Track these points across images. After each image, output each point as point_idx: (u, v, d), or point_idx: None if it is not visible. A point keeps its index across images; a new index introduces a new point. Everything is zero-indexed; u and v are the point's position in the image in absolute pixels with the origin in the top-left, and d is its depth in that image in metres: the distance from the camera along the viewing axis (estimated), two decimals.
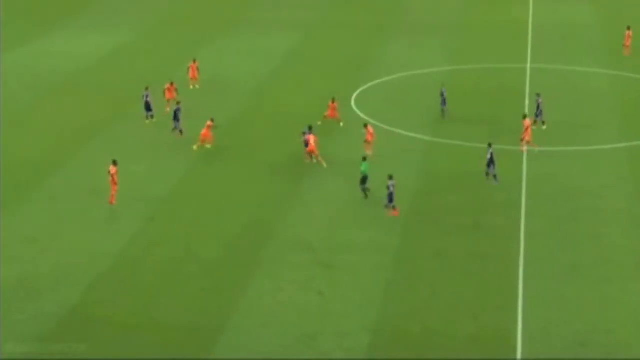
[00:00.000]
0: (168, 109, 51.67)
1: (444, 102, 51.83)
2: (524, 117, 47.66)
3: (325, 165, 45.01)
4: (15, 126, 50.90)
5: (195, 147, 47.19)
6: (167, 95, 52.69)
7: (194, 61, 57.52)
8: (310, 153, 45.24)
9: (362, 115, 52.52)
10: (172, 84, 53.51)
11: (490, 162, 42.97)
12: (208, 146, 47.33)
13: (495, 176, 43.11)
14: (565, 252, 37.09)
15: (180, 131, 48.59)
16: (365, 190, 41.74)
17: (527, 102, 54.94)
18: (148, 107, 51.00)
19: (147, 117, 51.08)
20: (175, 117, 48.98)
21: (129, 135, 49.26)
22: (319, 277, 35.07)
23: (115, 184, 40.78)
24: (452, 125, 50.87)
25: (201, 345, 30.74)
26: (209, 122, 47.41)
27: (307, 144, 45.28)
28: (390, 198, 40.09)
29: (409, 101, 55.26)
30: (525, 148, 46.92)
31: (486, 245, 37.67)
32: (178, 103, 49.55)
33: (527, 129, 46.74)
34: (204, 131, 47.16)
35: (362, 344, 30.83)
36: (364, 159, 42.26)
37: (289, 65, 62.46)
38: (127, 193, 41.85)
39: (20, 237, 38.01)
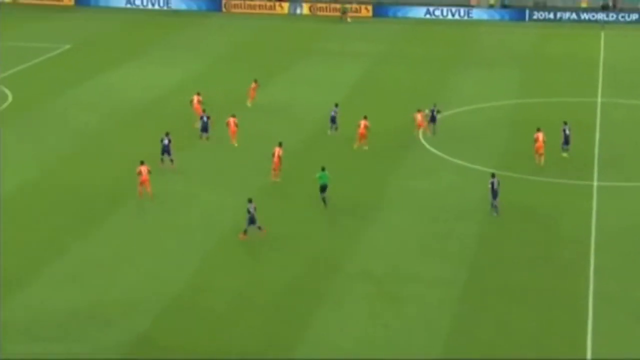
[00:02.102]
0: (196, 125, 53.93)
1: (433, 119, 53.51)
2: (538, 129, 49.24)
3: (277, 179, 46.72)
4: (88, 155, 51.91)
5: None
6: (197, 107, 55.11)
7: (255, 82, 59.95)
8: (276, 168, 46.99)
9: (429, 147, 52.54)
10: (198, 93, 56.19)
11: (493, 192, 42.96)
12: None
13: (496, 207, 43.10)
14: (636, 289, 36.55)
15: (171, 160, 49.05)
16: (324, 199, 43.66)
17: (597, 135, 54.44)
18: (205, 129, 52.70)
19: (201, 137, 52.96)
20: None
21: (199, 164, 49.93)
22: (385, 309, 35.10)
23: (143, 183, 44.24)
24: (519, 158, 50.58)
25: None
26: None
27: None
28: (252, 220, 40.31)
29: (477, 134, 55.13)
30: (540, 160, 48.84)
31: (555, 280, 37.32)
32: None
33: (536, 140, 48.72)
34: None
35: None
36: (323, 169, 44.09)
37: (355, 96, 62.70)
38: (195, 222, 42.45)
39: (92, 265, 38.71)
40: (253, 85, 59.92)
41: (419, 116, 53.08)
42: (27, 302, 35.44)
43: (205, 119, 52.91)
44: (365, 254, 39.81)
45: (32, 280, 37.11)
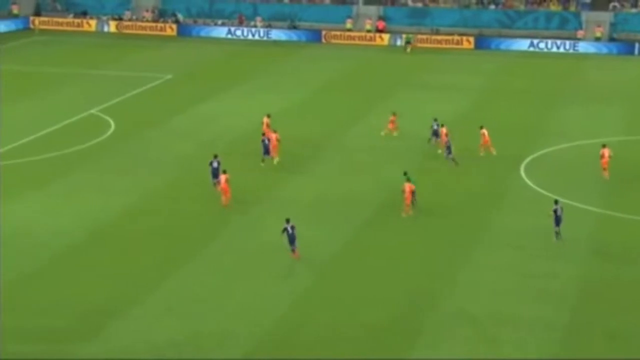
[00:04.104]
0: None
1: (448, 150, 54.30)
2: (603, 145, 51.81)
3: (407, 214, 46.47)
4: (185, 184, 52.17)
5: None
6: (266, 130, 56.36)
7: (394, 114, 60.47)
8: (408, 203, 46.51)
9: (531, 184, 51.41)
10: (268, 116, 57.79)
11: (557, 219, 42.82)
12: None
13: (557, 234, 43.04)
14: None
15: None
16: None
17: None
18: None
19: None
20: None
21: (297, 196, 49.74)
22: (483, 351, 34.12)
23: (226, 191, 47.29)
24: (623, 197, 49.15)
25: None
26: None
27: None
28: (291, 240, 41.28)
29: (581, 171, 53.75)
30: (605, 175, 51.03)
31: None
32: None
33: (602, 156, 51.16)
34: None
35: None
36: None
37: (456, 129, 61.65)
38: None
39: (189, 295, 38.68)
40: (392, 117, 59.98)
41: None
42: (123, 331, 35.58)
43: (266, 141, 53.53)
44: (462, 292, 38.90)
45: (130, 310, 37.26)
